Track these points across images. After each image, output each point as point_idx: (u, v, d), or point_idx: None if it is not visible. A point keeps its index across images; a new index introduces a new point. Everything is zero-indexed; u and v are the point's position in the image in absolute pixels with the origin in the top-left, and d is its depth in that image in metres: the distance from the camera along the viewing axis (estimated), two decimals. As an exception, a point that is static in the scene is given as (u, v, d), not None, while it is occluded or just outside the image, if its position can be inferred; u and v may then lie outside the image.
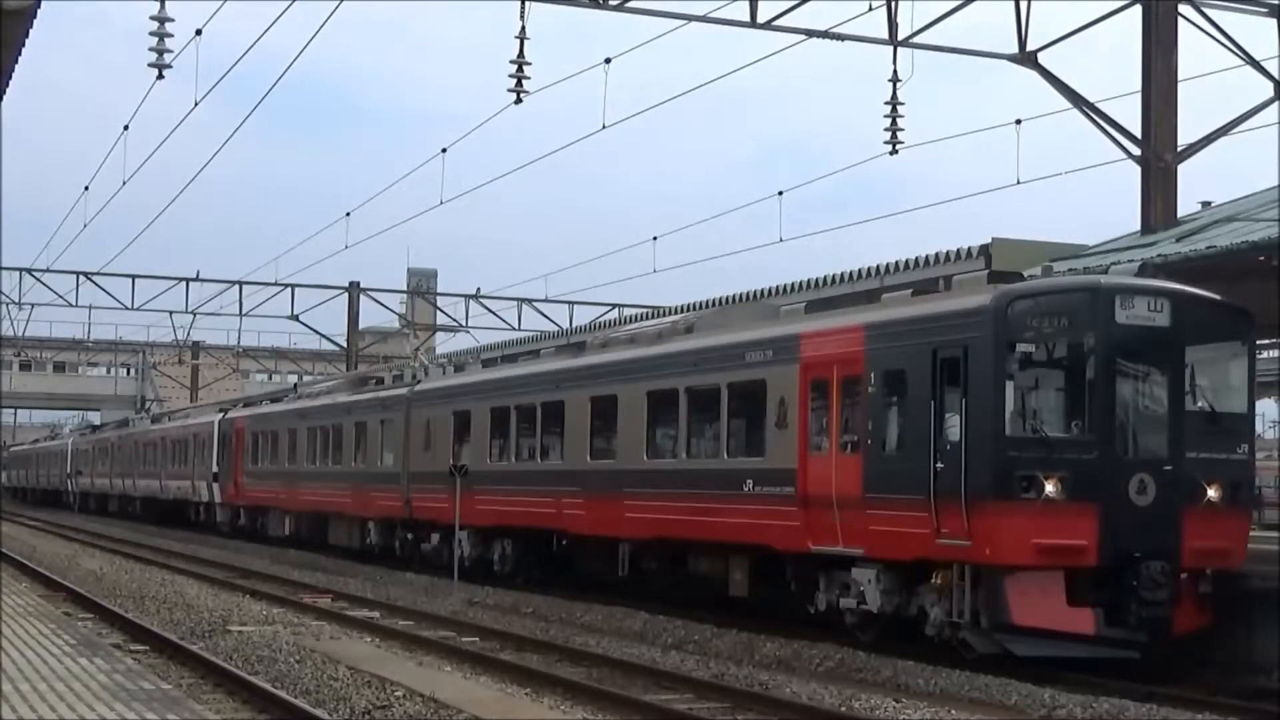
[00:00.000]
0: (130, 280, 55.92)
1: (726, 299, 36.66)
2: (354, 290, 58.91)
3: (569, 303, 57.03)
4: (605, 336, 28.71)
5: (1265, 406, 60.86)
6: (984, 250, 27.61)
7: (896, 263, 30.76)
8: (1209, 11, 27.06)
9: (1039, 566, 16.89)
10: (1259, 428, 54.08)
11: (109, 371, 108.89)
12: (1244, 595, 17.79)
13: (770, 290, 34.78)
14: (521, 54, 25.90)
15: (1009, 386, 17.25)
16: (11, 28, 11.94)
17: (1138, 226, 26.21)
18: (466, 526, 29.46)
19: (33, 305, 61.21)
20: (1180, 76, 26.46)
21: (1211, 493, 17.50)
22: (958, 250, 28.83)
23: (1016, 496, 16.81)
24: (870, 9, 26.68)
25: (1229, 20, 27.32)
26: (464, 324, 59.08)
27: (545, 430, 27.75)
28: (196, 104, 29.27)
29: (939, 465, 17.43)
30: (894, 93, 28.38)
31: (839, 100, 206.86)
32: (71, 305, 56.99)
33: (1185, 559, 17.26)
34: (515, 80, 26.08)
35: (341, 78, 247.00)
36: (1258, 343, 21.29)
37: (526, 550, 28.70)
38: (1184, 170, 26.45)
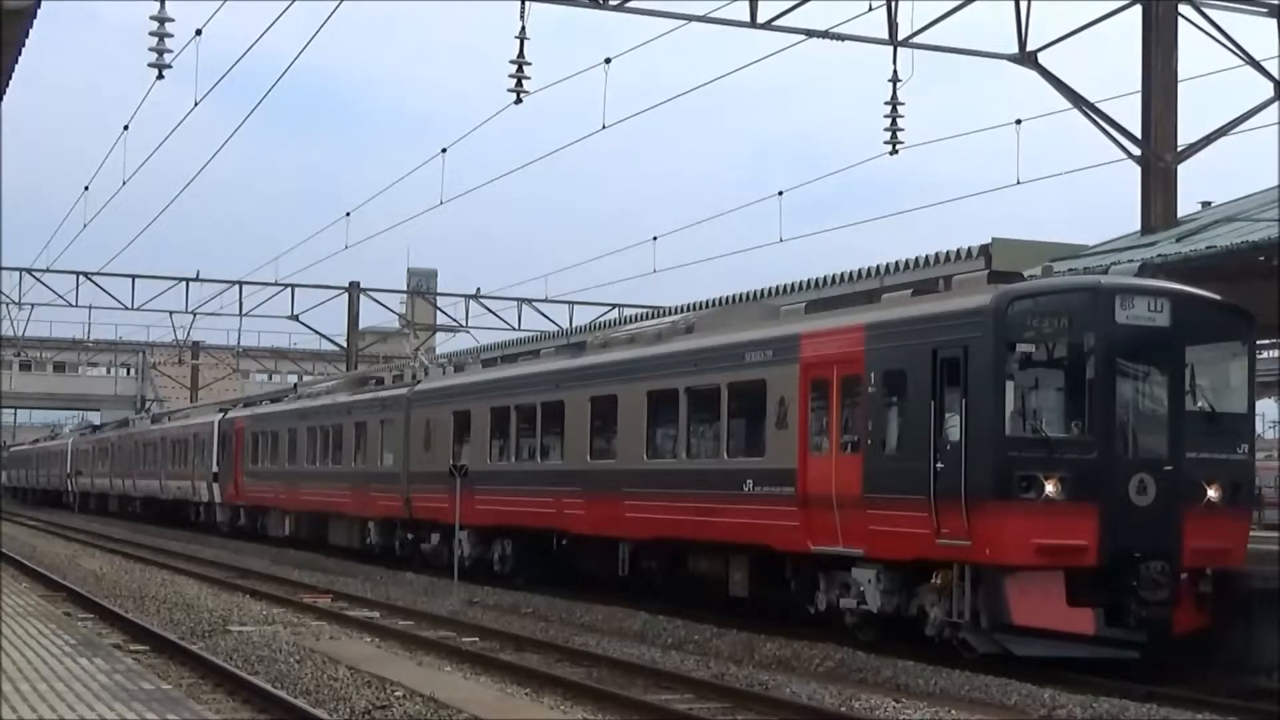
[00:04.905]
0: (130, 280, 55.98)
1: (726, 299, 36.70)
2: (354, 290, 58.90)
3: (569, 303, 57.07)
4: (605, 336, 28.72)
5: (1265, 406, 61.02)
6: (984, 250, 27.64)
7: (896, 263, 30.79)
8: (1209, 11, 27.04)
9: (1039, 566, 16.89)
10: (1259, 428, 54.17)
11: (109, 371, 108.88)
12: (1244, 595, 17.79)
13: (770, 290, 34.81)
14: (521, 54, 25.90)
15: (1009, 386, 17.26)
16: (11, 28, 11.94)
17: (1138, 226, 26.20)
18: (466, 526, 29.46)
19: (33, 305, 61.27)
20: (1180, 76, 26.46)
21: (1211, 493, 17.50)
22: (958, 250, 28.86)
23: (1016, 496, 16.81)
24: (870, 9, 26.68)
25: (1229, 20, 27.33)
26: (464, 324, 59.14)
27: (545, 430, 27.75)
28: (196, 104, 29.29)
29: (939, 465, 17.43)
30: (894, 93, 28.37)
31: (839, 100, 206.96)
32: (71, 305, 57.06)
33: (1185, 559, 17.27)
34: (515, 80, 26.07)
35: (342, 78, 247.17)
36: (1258, 343, 21.28)
37: (526, 550, 28.69)
38: (1184, 170, 26.46)
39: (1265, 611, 17.53)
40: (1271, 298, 21.15)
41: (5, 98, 14.35)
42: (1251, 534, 19.00)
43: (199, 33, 27.40)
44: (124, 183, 42.61)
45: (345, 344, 62.14)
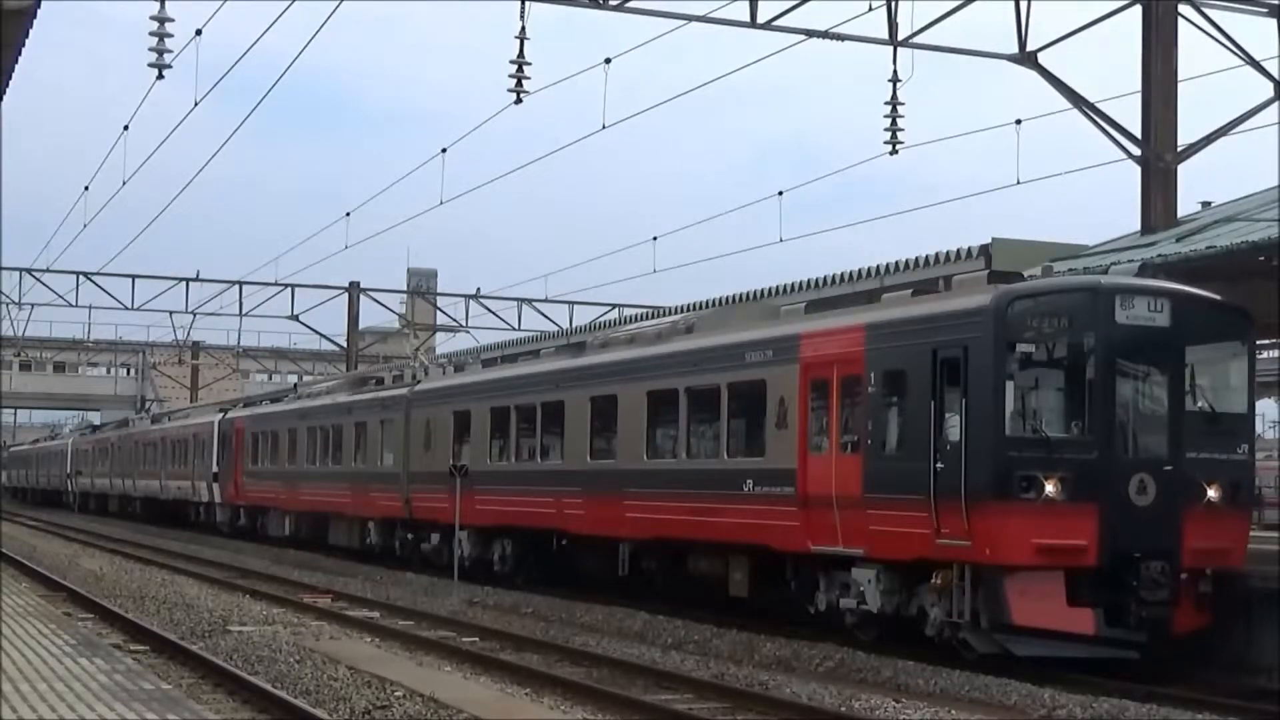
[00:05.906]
0: (130, 280, 56.02)
1: (726, 299, 36.66)
2: (354, 290, 58.91)
3: (569, 303, 57.08)
4: (605, 336, 28.71)
5: (1265, 406, 61.00)
6: (984, 250, 27.60)
7: (896, 263, 30.76)
8: (1209, 11, 27.04)
9: (1039, 566, 16.89)
10: (1259, 428, 54.16)
11: (109, 371, 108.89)
12: (1244, 595, 17.79)
13: (770, 290, 34.77)
14: (521, 54, 25.91)
15: (1009, 386, 17.26)
16: (11, 28, 11.93)
17: (1138, 226, 26.20)
18: (466, 526, 29.46)
19: (33, 305, 61.29)
20: (1180, 76, 26.46)
21: (1211, 493, 17.50)
22: (958, 250, 28.82)
23: (1016, 496, 16.81)
24: (870, 9, 26.68)
25: (1229, 20, 27.33)
26: (464, 324, 59.16)
27: (545, 430, 27.75)
28: (196, 104, 29.31)
29: (939, 465, 17.43)
30: (894, 93, 28.38)
31: (839, 100, 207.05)
32: (71, 305, 57.07)
33: (1185, 559, 17.27)
34: (515, 80, 26.08)
35: (341, 78, 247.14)
36: (1258, 343, 21.28)
37: (526, 550, 28.70)
38: (1184, 170, 26.45)
39: (1265, 611, 17.53)
40: (1271, 298, 21.16)
41: (5, 98, 14.35)
42: (1251, 534, 19.00)
43: (199, 33, 27.46)
44: (124, 183, 42.62)
45: (345, 344, 62.13)
